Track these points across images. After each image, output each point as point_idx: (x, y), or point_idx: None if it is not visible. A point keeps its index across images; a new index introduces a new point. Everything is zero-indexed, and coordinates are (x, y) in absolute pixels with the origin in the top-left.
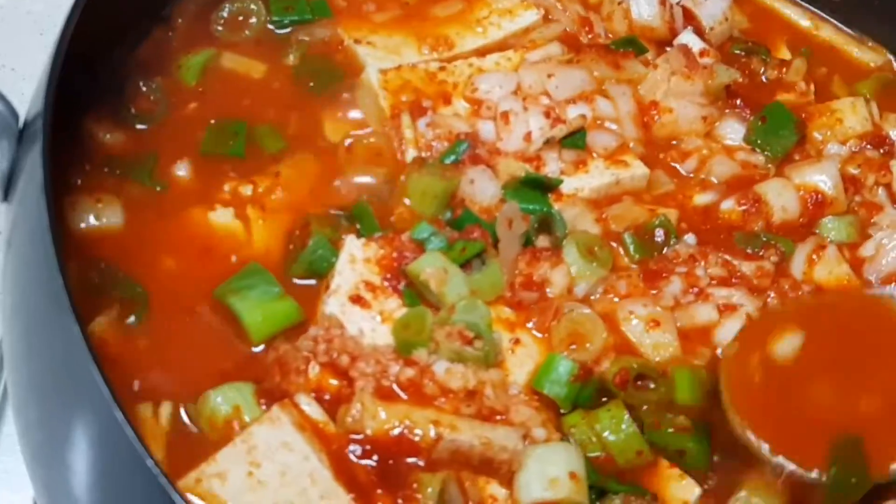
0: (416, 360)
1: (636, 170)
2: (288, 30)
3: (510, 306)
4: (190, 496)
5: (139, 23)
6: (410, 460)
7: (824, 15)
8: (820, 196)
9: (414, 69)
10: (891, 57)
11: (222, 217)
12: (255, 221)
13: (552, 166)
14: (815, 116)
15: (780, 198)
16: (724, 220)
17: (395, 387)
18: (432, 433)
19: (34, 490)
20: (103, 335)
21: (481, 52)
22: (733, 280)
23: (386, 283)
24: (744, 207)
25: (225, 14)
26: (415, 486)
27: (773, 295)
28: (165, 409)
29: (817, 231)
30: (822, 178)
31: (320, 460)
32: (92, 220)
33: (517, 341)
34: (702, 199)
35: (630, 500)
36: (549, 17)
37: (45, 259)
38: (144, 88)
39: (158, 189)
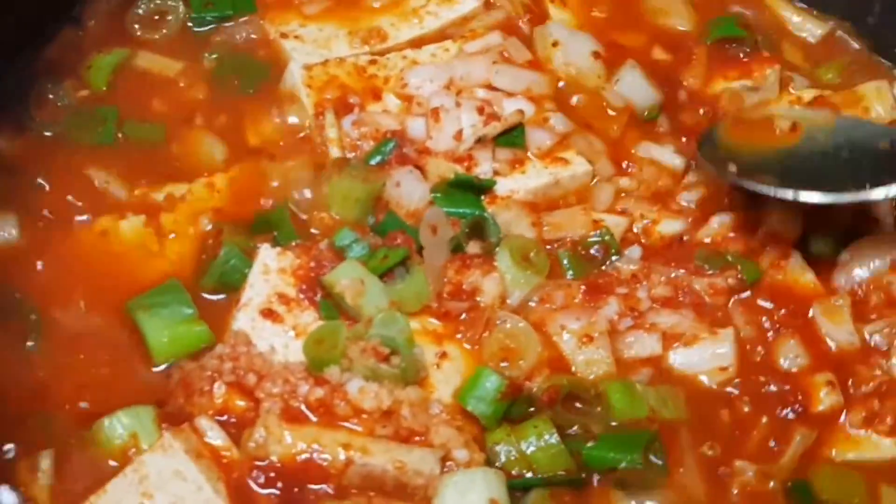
0: (328, 379)
1: (577, 167)
2: (210, 27)
3: (437, 317)
4: None
5: (46, 23)
6: (318, 487)
7: None
8: None
9: (342, 63)
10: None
11: (132, 225)
12: (168, 229)
13: (485, 166)
14: (842, 108)
15: None
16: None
17: (304, 407)
18: (342, 457)
19: None
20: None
21: (417, 44)
22: (679, 298)
23: (301, 296)
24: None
25: (140, 12)
26: None
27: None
28: (44, 461)
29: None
30: None
31: (216, 490)
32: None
33: (444, 355)
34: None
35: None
36: (491, 3)
37: None
38: (51, 94)
39: (59, 199)
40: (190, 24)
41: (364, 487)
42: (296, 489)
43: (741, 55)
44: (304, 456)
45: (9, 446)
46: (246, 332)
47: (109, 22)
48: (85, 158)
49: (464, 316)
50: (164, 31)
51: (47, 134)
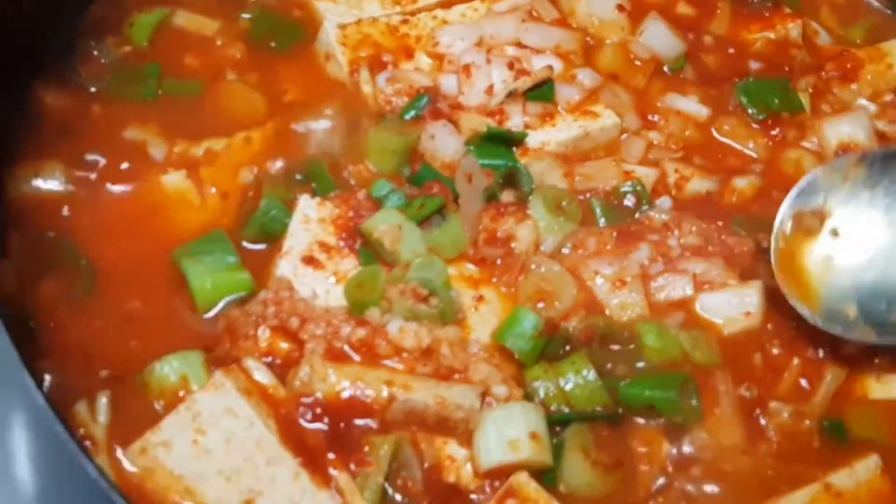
0: (369, 320)
1: (606, 120)
2: None
3: (474, 263)
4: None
5: None
6: (363, 422)
7: None
8: (853, 146)
9: (375, 23)
10: None
11: (174, 179)
12: (208, 183)
13: (516, 120)
14: (865, 62)
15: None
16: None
17: (346, 348)
18: (385, 394)
19: None
20: (50, 307)
21: (446, 4)
22: (710, 248)
23: (341, 244)
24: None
25: None
26: (367, 448)
27: None
28: (101, 402)
29: None
30: (855, 130)
31: (266, 426)
32: (37, 186)
33: (481, 298)
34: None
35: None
36: None
37: None
38: (95, 51)
39: (104, 152)
40: None
41: (407, 422)
42: (342, 424)
43: (764, 12)
44: (347, 393)
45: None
46: (288, 278)
47: None
48: (127, 113)
49: (499, 262)
50: None
51: (92, 89)
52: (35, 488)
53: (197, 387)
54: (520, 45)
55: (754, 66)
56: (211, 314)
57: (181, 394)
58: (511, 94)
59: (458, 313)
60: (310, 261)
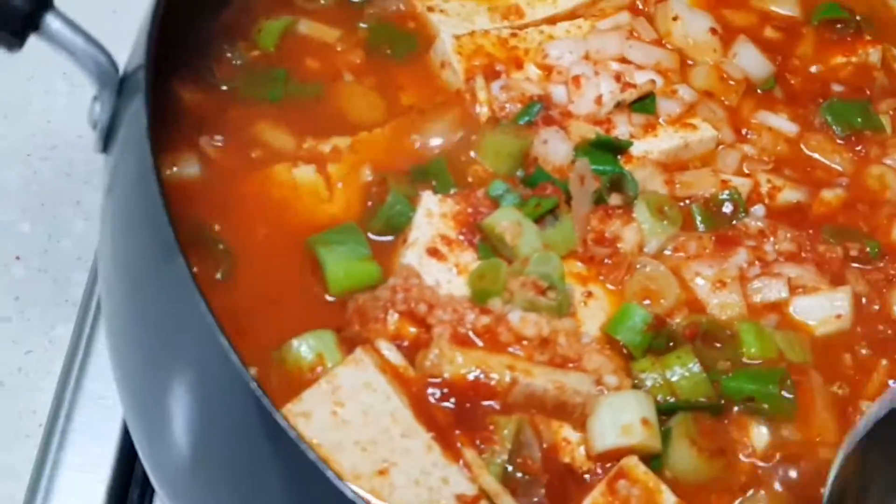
0: (491, 309)
1: (704, 132)
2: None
3: (582, 261)
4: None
5: None
6: (487, 403)
7: None
8: None
9: (486, 35)
10: None
11: (305, 173)
12: (335, 178)
13: (622, 129)
14: None
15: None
16: (816, 214)
17: (471, 334)
18: (507, 378)
19: (133, 436)
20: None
21: (551, 21)
22: (803, 255)
23: (461, 237)
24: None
25: None
26: (491, 427)
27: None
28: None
29: None
30: None
31: (401, 401)
32: (179, 173)
33: (589, 294)
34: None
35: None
36: None
37: (151, 205)
38: (228, 53)
39: (236, 148)
40: None
41: (527, 406)
42: (468, 404)
43: (847, 38)
44: (473, 375)
45: None
46: (414, 266)
47: None
48: (258, 112)
49: (607, 261)
50: (323, 1)
51: (224, 88)
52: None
53: (331, 363)
54: (623, 60)
55: (837, 88)
56: (337, 298)
57: (318, 370)
58: (619, 105)
59: (570, 307)
60: (434, 252)
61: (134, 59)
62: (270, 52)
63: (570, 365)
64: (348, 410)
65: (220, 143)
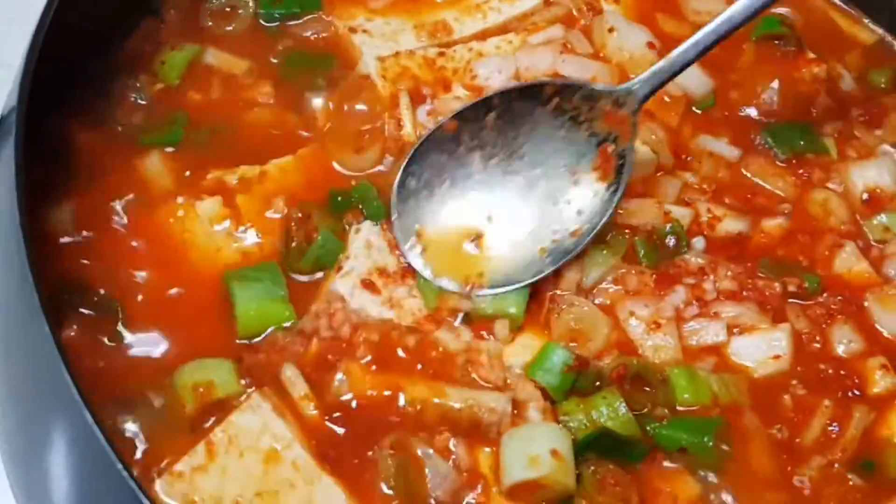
0: (417, 328)
1: (642, 154)
2: (277, 23)
3: None
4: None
5: (128, 16)
6: (397, 421)
7: None
8: (879, 191)
9: (412, 55)
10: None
11: (209, 207)
12: (245, 211)
13: None
14: (890, 109)
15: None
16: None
17: (389, 354)
18: (420, 397)
19: (14, 495)
20: (79, 337)
21: (481, 37)
22: (744, 293)
23: (400, 271)
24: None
25: (214, 4)
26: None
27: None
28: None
29: (866, 230)
30: (881, 175)
31: (303, 446)
32: (66, 221)
33: (517, 330)
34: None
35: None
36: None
37: (16, 262)
38: (128, 89)
39: (134, 187)
40: (260, 19)
41: (441, 426)
42: (375, 427)
43: (788, 55)
44: (385, 395)
45: None
46: (341, 293)
47: (185, 15)
48: (157, 151)
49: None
50: (234, 24)
51: (120, 128)
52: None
53: (223, 394)
54: (556, 76)
55: (779, 108)
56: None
57: (209, 399)
58: None
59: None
60: (368, 284)
61: (11, 101)
62: (174, 84)
63: (488, 385)
64: (248, 460)
65: (120, 190)
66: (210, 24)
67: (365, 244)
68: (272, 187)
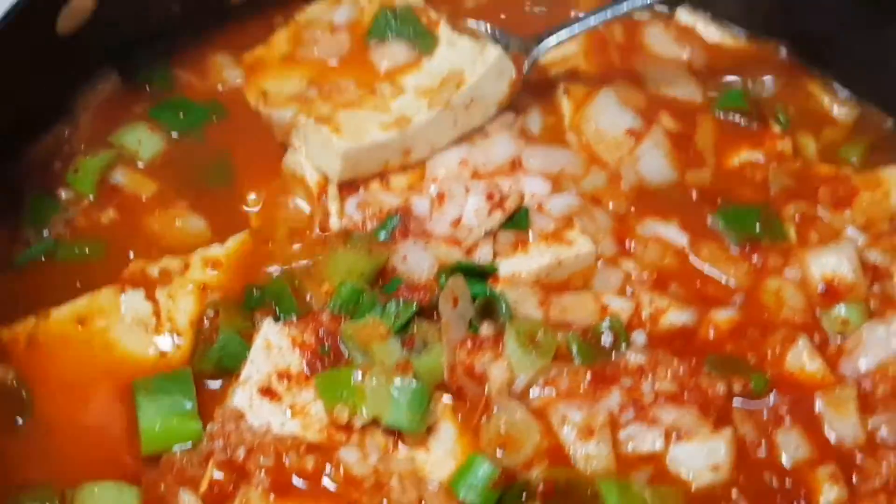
0: (326, 441)
1: (580, 248)
2: None
3: (450, 393)
4: None
5: (41, 119)
6: None
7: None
8: (836, 282)
9: None
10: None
11: (133, 301)
12: (165, 305)
13: (485, 249)
14: (860, 189)
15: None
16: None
17: (293, 478)
18: None
19: None
20: None
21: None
22: (685, 396)
23: (306, 370)
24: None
25: None
26: None
27: None
28: None
29: (824, 322)
30: (840, 263)
31: None
32: None
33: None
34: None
35: None
36: None
37: None
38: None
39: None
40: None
41: None
42: None
43: (752, 129)
44: None
45: None
46: (241, 409)
47: (97, 118)
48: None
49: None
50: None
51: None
52: None
53: None
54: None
55: (738, 187)
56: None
57: None
58: (487, 234)
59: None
60: (267, 392)
61: None
62: (89, 196)
63: None
64: None
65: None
66: None
67: (265, 345)
68: (194, 279)
